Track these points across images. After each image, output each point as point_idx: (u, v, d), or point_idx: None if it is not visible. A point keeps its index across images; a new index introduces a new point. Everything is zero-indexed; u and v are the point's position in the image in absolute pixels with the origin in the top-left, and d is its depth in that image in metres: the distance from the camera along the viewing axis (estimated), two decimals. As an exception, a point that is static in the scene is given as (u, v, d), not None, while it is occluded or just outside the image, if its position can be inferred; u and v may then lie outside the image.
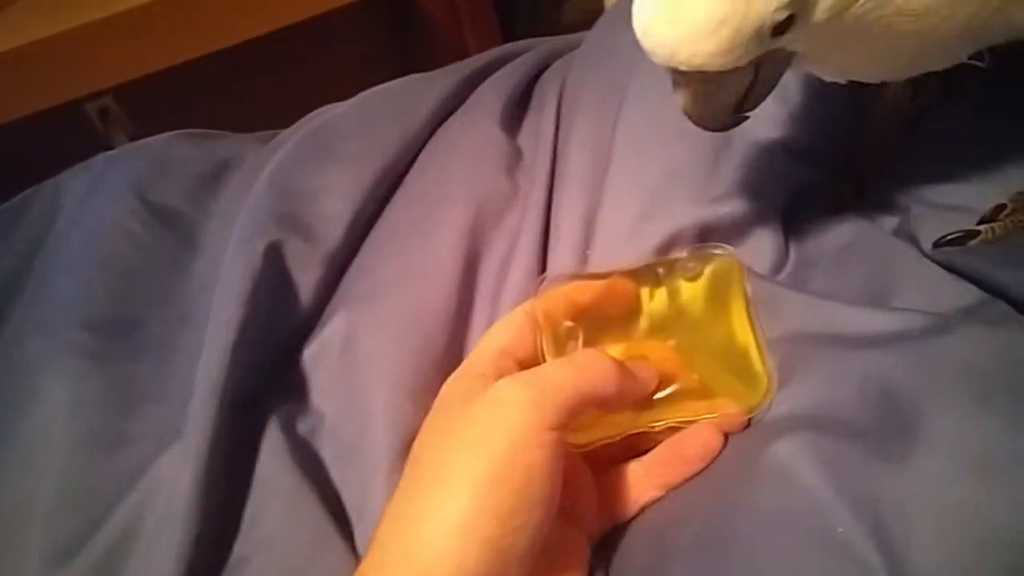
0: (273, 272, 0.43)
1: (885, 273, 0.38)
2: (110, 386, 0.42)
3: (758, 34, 0.28)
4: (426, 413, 0.34)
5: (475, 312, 0.43)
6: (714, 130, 0.34)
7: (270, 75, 1.12)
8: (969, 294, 0.36)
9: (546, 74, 0.57)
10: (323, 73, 1.05)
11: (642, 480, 0.35)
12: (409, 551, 0.29)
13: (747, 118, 0.34)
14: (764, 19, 0.28)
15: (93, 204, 0.52)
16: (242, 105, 1.06)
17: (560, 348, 0.36)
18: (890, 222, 0.42)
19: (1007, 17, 0.32)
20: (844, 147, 0.47)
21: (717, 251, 0.39)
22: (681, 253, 0.40)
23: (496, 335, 0.36)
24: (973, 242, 0.38)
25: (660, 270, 0.39)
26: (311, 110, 0.59)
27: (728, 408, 0.35)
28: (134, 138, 1.18)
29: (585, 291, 0.37)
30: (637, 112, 0.46)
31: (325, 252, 0.45)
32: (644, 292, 0.38)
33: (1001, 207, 0.39)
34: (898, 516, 0.28)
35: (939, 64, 0.35)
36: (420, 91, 0.55)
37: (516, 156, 0.50)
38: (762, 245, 0.41)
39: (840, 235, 0.41)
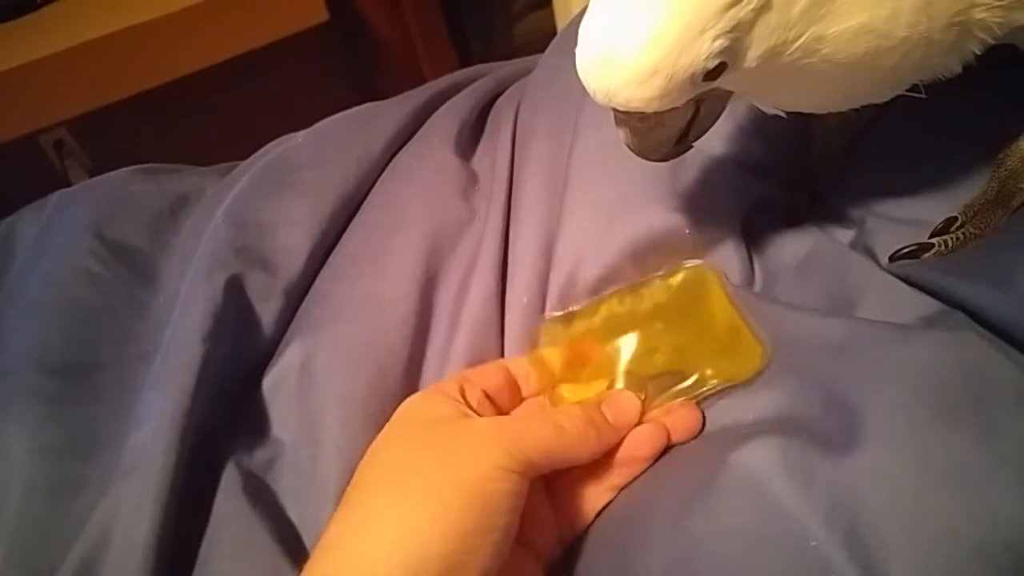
0: (234, 306, 0.43)
1: (846, 285, 0.39)
2: (68, 431, 0.41)
3: (691, 80, 0.30)
4: None
5: (432, 336, 0.43)
6: (658, 160, 0.36)
7: (226, 104, 1.11)
8: (927, 305, 0.36)
9: (501, 99, 0.58)
10: (279, 101, 1.04)
11: (596, 486, 0.35)
12: (361, 558, 0.29)
13: (691, 147, 0.36)
14: (695, 68, 0.29)
15: (49, 244, 0.51)
16: (197, 134, 1.05)
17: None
18: (846, 235, 0.43)
19: (928, 65, 0.34)
20: (796, 160, 0.48)
21: (690, 263, 0.41)
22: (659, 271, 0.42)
23: (470, 370, 0.38)
24: (927, 255, 0.39)
25: (639, 285, 0.41)
26: (268, 137, 0.58)
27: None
28: (89, 169, 1.16)
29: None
30: (592, 134, 0.46)
31: (285, 284, 0.45)
32: (623, 303, 0.40)
33: (952, 220, 0.39)
34: (872, 529, 0.28)
35: (875, 99, 0.36)
36: (376, 119, 0.55)
37: (471, 180, 0.51)
38: (729, 259, 0.42)
39: (799, 248, 0.42)
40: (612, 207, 0.43)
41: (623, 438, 0.36)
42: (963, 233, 0.39)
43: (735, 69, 0.31)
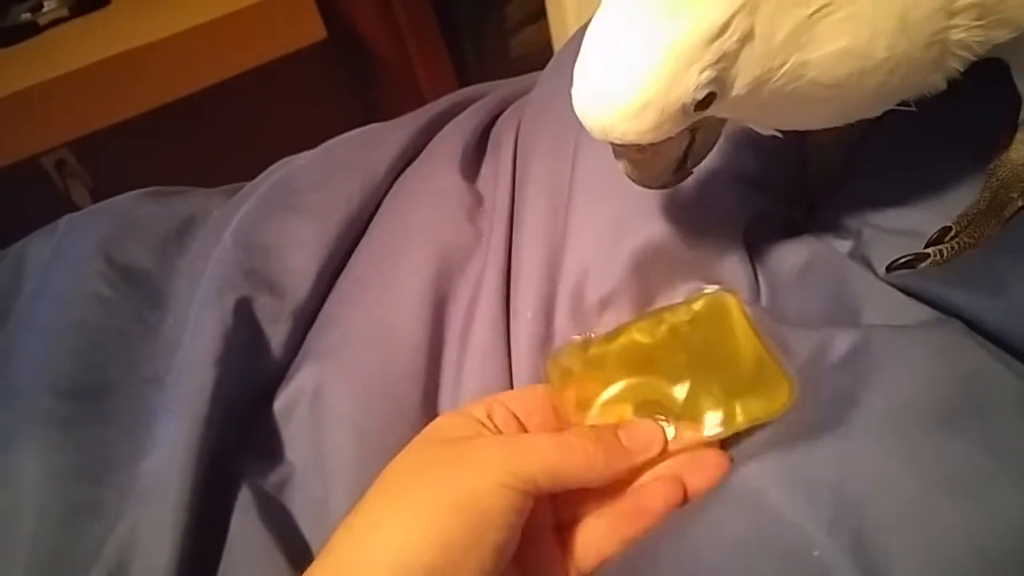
0: (244, 328, 0.43)
1: (848, 293, 0.39)
2: (82, 455, 0.41)
3: (682, 111, 0.31)
4: None
5: (444, 362, 0.43)
6: (657, 188, 0.37)
7: (226, 123, 1.12)
8: (925, 314, 0.37)
9: (501, 119, 0.58)
10: (279, 119, 1.05)
11: (606, 536, 0.35)
12: (353, 563, 0.30)
13: (691, 173, 0.36)
14: (685, 99, 0.30)
15: (59, 268, 0.51)
16: (199, 154, 1.06)
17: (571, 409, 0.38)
18: (843, 246, 0.44)
19: (913, 82, 0.34)
20: (792, 173, 0.48)
21: (709, 289, 0.41)
22: (678, 298, 0.42)
23: (505, 393, 0.38)
24: (923, 264, 0.39)
25: (660, 313, 0.40)
26: (269, 156, 0.59)
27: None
28: (91, 189, 1.17)
29: None
30: (593, 152, 0.47)
31: (293, 307, 0.46)
32: (644, 332, 0.40)
33: (947, 230, 0.40)
34: (876, 537, 0.29)
35: (866, 114, 0.37)
36: (379, 141, 0.55)
37: (476, 201, 0.51)
38: (735, 272, 0.43)
39: (799, 258, 0.43)
40: (616, 223, 0.43)
41: (640, 471, 0.36)
42: (958, 243, 0.39)
43: (725, 98, 0.32)
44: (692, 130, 0.34)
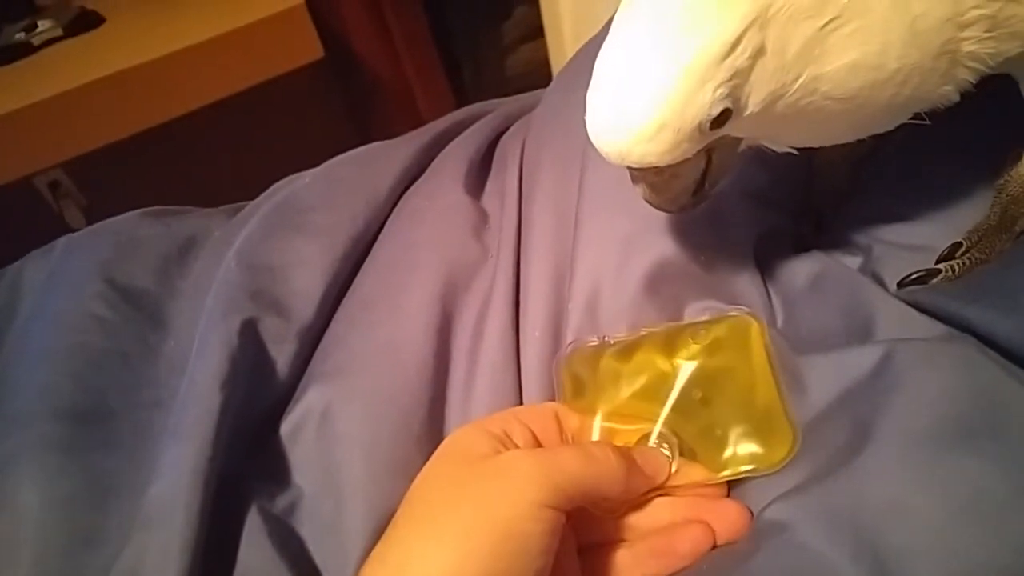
0: (250, 349, 0.43)
1: (861, 308, 0.39)
2: (84, 481, 0.40)
3: (698, 130, 0.31)
4: (406, 490, 0.35)
5: (452, 379, 0.43)
6: (677, 212, 0.37)
7: (223, 143, 1.12)
8: (938, 330, 0.37)
9: (505, 136, 0.58)
10: (276, 138, 1.05)
11: (629, 568, 0.35)
12: None
13: (708, 197, 0.36)
14: (700, 118, 0.31)
15: (57, 290, 0.50)
16: (195, 173, 1.06)
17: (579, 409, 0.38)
18: (853, 262, 0.44)
19: (925, 95, 0.35)
20: (800, 188, 0.48)
21: (733, 311, 0.40)
22: (701, 316, 0.42)
23: (517, 408, 0.38)
24: (935, 280, 0.39)
25: (679, 333, 0.40)
26: (266, 175, 0.58)
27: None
28: (85, 209, 1.16)
29: None
30: (601, 168, 0.47)
31: (299, 327, 0.45)
32: (663, 356, 0.39)
33: (957, 245, 0.40)
34: (898, 562, 0.28)
35: (880, 129, 0.37)
36: (382, 159, 0.55)
37: (482, 219, 0.51)
38: (746, 289, 0.43)
39: (810, 274, 0.43)
40: (627, 239, 0.43)
41: (642, 500, 0.36)
42: (969, 258, 0.40)
43: (740, 115, 0.32)
44: (709, 151, 0.34)
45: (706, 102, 0.30)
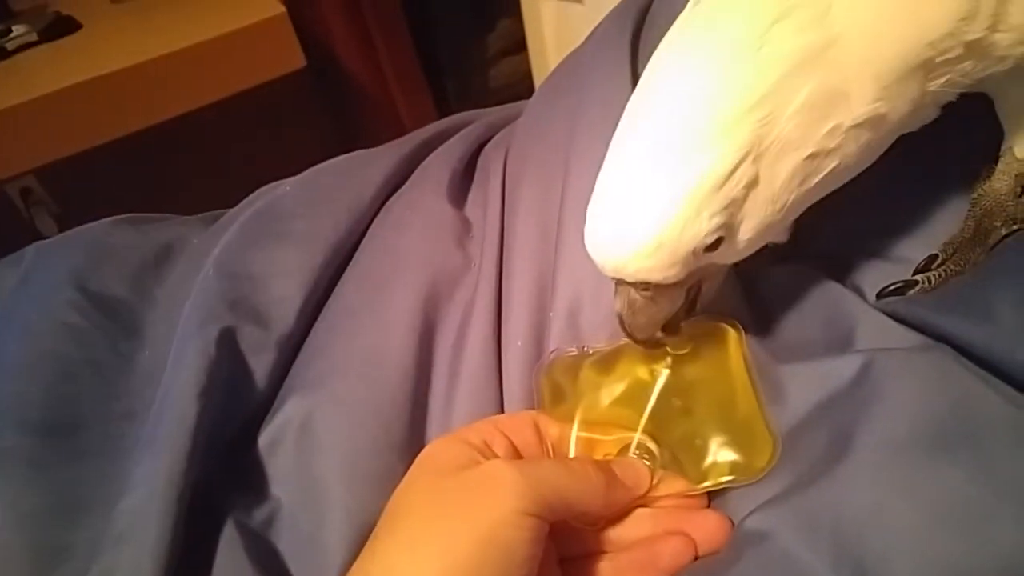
0: (227, 359, 0.42)
1: (841, 319, 0.39)
2: (52, 496, 0.39)
3: (693, 253, 0.32)
4: (386, 501, 0.34)
5: (433, 388, 0.43)
6: (641, 339, 0.37)
7: (201, 151, 1.11)
8: (915, 340, 0.37)
9: (488, 146, 0.58)
10: (256, 147, 1.04)
11: None
12: None
13: (679, 331, 0.38)
14: (696, 243, 0.32)
15: (27, 298, 0.49)
16: (173, 182, 1.04)
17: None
18: (832, 272, 0.44)
19: (906, 125, 0.35)
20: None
21: (712, 321, 0.41)
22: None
23: (496, 416, 0.38)
24: (912, 291, 0.40)
25: (660, 341, 0.40)
26: (245, 184, 0.58)
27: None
28: (57, 216, 1.14)
29: None
30: (584, 177, 0.47)
31: (278, 337, 0.45)
32: (643, 364, 0.40)
33: (933, 257, 0.40)
34: (879, 569, 0.29)
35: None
36: (364, 167, 0.55)
37: (465, 228, 0.51)
38: (726, 296, 0.42)
39: (789, 285, 0.43)
40: None
41: (623, 512, 0.36)
42: (945, 270, 0.40)
43: (733, 241, 0.33)
44: (695, 284, 0.36)
45: (702, 230, 0.31)
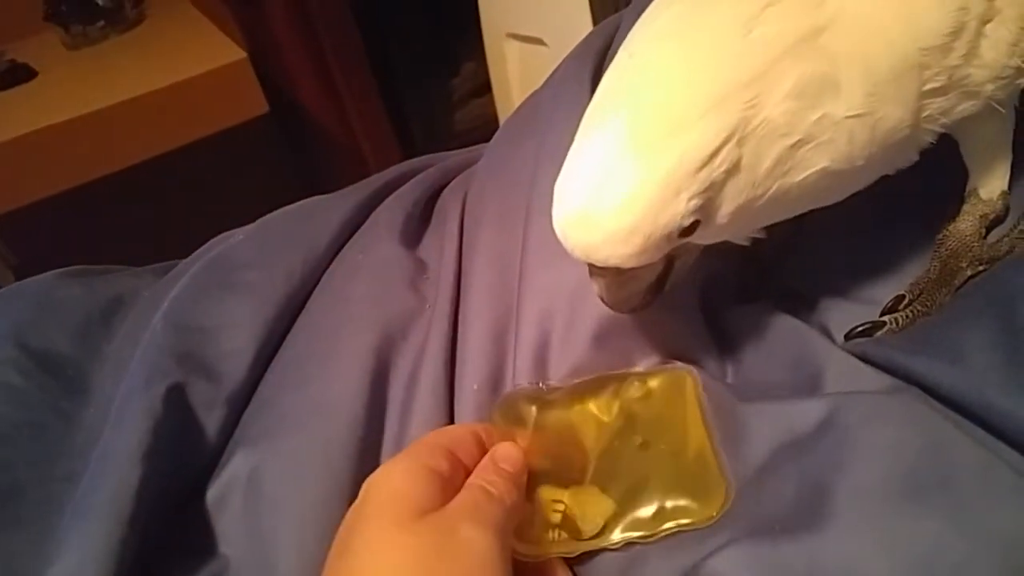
0: (175, 417, 0.40)
1: (809, 360, 0.39)
2: None
3: (667, 237, 0.31)
4: None
5: (385, 437, 0.41)
6: (627, 312, 0.37)
7: (162, 198, 1.09)
8: (884, 381, 0.37)
9: (446, 190, 0.58)
10: (218, 194, 1.03)
11: None
12: None
13: (658, 297, 0.36)
14: (671, 227, 0.31)
15: (-35, 358, 0.47)
16: (134, 231, 1.02)
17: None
18: (799, 312, 0.43)
19: (890, 163, 0.36)
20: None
21: (669, 365, 0.40)
22: (637, 368, 0.41)
23: (441, 431, 0.37)
24: (879, 333, 0.40)
25: (614, 383, 0.40)
26: (207, 232, 0.57)
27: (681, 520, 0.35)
28: (15, 268, 1.11)
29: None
30: (546, 221, 0.46)
31: (229, 392, 0.43)
32: (599, 405, 0.39)
33: (900, 297, 0.40)
34: None
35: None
36: (320, 214, 0.54)
37: (419, 269, 0.50)
38: (695, 341, 0.42)
39: (757, 325, 0.42)
40: (574, 292, 0.42)
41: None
42: (912, 311, 0.40)
43: (709, 224, 0.32)
44: (671, 257, 0.34)
45: (679, 212, 0.30)
